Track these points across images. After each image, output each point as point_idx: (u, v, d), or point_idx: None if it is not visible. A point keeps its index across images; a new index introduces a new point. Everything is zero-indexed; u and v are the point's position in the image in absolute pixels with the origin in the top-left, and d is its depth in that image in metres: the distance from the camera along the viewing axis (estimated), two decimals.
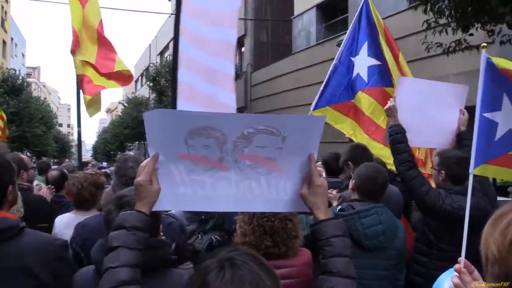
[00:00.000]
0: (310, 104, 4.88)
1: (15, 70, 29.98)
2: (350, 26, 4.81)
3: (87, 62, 5.07)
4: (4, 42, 39.50)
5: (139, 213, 1.34)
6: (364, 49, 4.56)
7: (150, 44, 42.96)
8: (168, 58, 26.60)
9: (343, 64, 4.63)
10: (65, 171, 4.32)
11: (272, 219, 1.72)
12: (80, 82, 5.06)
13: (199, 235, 2.76)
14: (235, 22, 4.00)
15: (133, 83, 56.91)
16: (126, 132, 36.57)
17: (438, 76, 8.95)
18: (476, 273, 1.32)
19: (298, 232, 1.80)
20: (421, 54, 8.47)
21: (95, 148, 61.12)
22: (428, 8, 6.49)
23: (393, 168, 3.19)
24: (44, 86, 79.66)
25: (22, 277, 1.63)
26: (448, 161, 2.88)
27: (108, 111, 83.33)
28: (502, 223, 1.09)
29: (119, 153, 51.43)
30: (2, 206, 1.69)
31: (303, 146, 1.42)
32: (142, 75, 46.17)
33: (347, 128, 4.50)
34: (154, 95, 26.25)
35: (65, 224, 2.63)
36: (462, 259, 1.40)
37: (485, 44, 2.81)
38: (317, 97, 4.70)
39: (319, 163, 3.97)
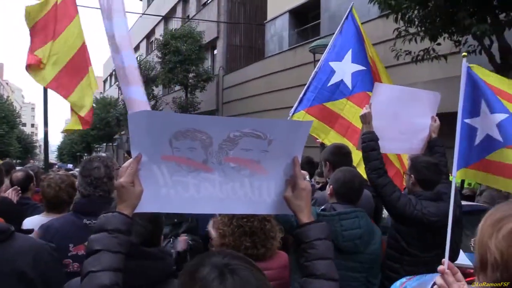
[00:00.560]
0: (282, 108, 4.92)
1: None
2: (335, 34, 4.84)
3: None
4: None
5: (121, 215, 1.30)
6: (348, 55, 4.62)
7: None
8: (138, 58, 26.20)
9: (322, 71, 4.68)
10: (31, 172, 4.17)
11: (251, 219, 1.72)
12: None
13: (171, 239, 2.72)
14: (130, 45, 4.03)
15: (101, 83, 55.77)
16: (94, 133, 35.78)
17: (406, 83, 9.16)
18: (459, 274, 1.34)
19: (276, 233, 1.80)
20: (390, 61, 8.67)
21: (61, 149, 59.47)
22: (399, 17, 6.66)
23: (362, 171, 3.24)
24: (7, 83, 76.92)
25: (14, 281, 1.61)
26: (418, 166, 2.95)
27: None
28: (505, 227, 1.07)
29: (85, 154, 50.30)
30: None
31: (288, 150, 1.42)
32: (111, 75, 45.30)
33: (319, 131, 4.55)
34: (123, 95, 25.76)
35: (35, 226, 2.54)
36: (445, 260, 1.43)
37: (465, 54, 2.91)
38: (296, 102, 4.73)
39: None
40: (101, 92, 49.51)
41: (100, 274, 1.22)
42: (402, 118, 3.28)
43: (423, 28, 6.67)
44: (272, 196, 1.46)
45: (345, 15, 4.81)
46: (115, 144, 38.33)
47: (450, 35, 6.71)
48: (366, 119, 3.16)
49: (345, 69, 4.52)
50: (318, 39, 11.85)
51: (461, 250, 3.12)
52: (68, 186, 2.87)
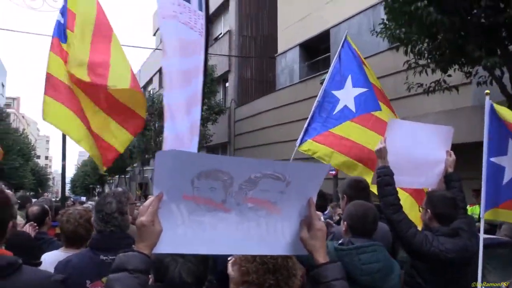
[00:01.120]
0: (293, 140, 4.98)
1: None
2: (332, 64, 5.01)
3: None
4: None
5: (141, 254, 1.30)
6: (349, 81, 4.75)
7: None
8: (152, 92, 26.69)
9: (326, 100, 4.80)
10: (46, 206, 4.21)
11: (275, 256, 1.70)
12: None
13: None
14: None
15: None
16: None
17: (418, 114, 9.20)
18: None
19: (297, 270, 1.78)
20: (402, 93, 8.73)
21: (74, 181, 59.91)
22: (409, 49, 6.74)
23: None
24: (23, 117, 78.59)
25: None
26: (434, 200, 2.92)
27: None
28: None
29: (98, 187, 50.57)
30: (1, 243, 1.66)
31: (304, 191, 1.44)
32: None
33: (321, 154, 4.61)
34: None
35: (54, 262, 2.55)
36: None
37: (488, 92, 2.92)
38: (302, 133, 4.81)
39: None
40: None
41: None
42: (416, 152, 3.28)
43: (433, 60, 6.73)
44: (287, 237, 1.46)
45: (341, 44, 4.97)
46: (127, 176, 38.53)
47: (461, 67, 6.76)
48: (381, 154, 3.16)
49: (347, 95, 4.66)
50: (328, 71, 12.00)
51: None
52: (86, 221, 2.89)
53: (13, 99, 76.93)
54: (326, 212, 4.93)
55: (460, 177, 3.20)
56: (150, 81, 36.51)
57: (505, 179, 2.70)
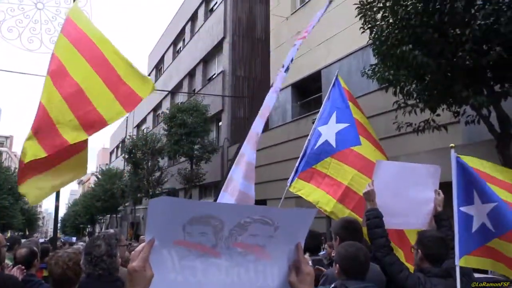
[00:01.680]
0: (286, 179, 5.01)
1: None
2: (323, 102, 5.14)
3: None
4: None
5: None
6: (333, 117, 4.86)
7: (127, 117, 43.45)
8: (145, 130, 26.82)
9: (313, 137, 4.89)
10: (35, 248, 4.14)
11: None
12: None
13: None
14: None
15: (107, 154, 56.52)
16: (98, 204, 35.62)
17: (409, 153, 9.30)
18: None
19: None
20: (392, 132, 8.85)
21: (64, 221, 58.82)
22: (398, 90, 6.90)
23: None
24: (15, 155, 78.04)
25: None
26: (424, 241, 2.92)
27: (80, 182, 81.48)
28: None
29: (88, 226, 49.65)
30: None
31: (292, 236, 1.46)
32: (117, 147, 46.07)
33: (304, 191, 4.64)
34: (129, 167, 26.02)
35: None
36: None
37: (453, 145, 3.03)
38: (292, 173, 4.85)
39: None
40: (107, 164, 50.01)
41: None
42: (405, 193, 3.31)
43: (421, 100, 6.89)
44: (276, 281, 1.46)
45: (332, 83, 5.12)
46: (119, 215, 37.99)
47: (449, 106, 6.91)
48: (369, 196, 3.18)
49: (330, 130, 4.77)
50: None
51: None
52: (75, 264, 2.84)
53: (6, 137, 76.74)
54: (323, 252, 4.88)
55: (449, 215, 3.22)
56: (144, 120, 36.74)
57: (474, 228, 2.80)
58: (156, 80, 34.77)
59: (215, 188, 22.37)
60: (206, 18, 25.05)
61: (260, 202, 13.07)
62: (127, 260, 3.72)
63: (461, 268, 2.83)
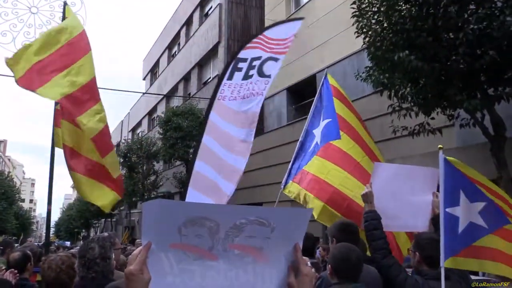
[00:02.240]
0: (280, 182, 5.01)
1: None
2: (314, 102, 5.14)
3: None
4: None
5: None
6: (322, 116, 4.85)
7: (122, 121, 43.33)
8: (140, 134, 26.74)
9: (306, 139, 4.87)
10: (28, 252, 4.10)
11: None
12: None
13: None
14: (255, 123, 4.69)
15: None
16: (93, 209, 35.41)
17: (405, 156, 9.34)
18: None
19: None
20: (387, 135, 8.88)
21: (58, 225, 58.44)
22: (392, 94, 6.94)
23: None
24: (9, 159, 77.56)
25: None
26: (422, 243, 2.92)
27: (75, 186, 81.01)
28: None
29: (83, 231, 49.34)
30: None
31: (290, 236, 1.45)
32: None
33: (296, 195, 4.64)
34: (124, 171, 25.93)
35: None
36: None
37: (441, 146, 3.06)
38: (286, 175, 4.85)
39: None
40: None
41: None
42: (402, 196, 3.31)
43: (416, 104, 6.93)
44: (274, 283, 1.45)
45: (321, 82, 5.13)
46: (113, 219, 37.80)
47: (443, 110, 6.95)
48: (367, 198, 3.18)
49: (319, 130, 4.74)
50: None
51: None
52: (68, 267, 2.83)
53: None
54: (317, 255, 4.88)
55: None
56: (139, 124, 36.65)
57: (460, 228, 2.81)
58: (151, 84, 34.71)
59: None
60: (201, 22, 25.08)
61: (256, 205, 13.05)
62: (122, 263, 3.70)
63: (458, 270, 2.83)
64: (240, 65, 4.53)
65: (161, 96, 29.69)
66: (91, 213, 37.25)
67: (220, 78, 4.43)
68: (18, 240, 25.62)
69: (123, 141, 28.99)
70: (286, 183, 4.82)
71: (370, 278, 3.08)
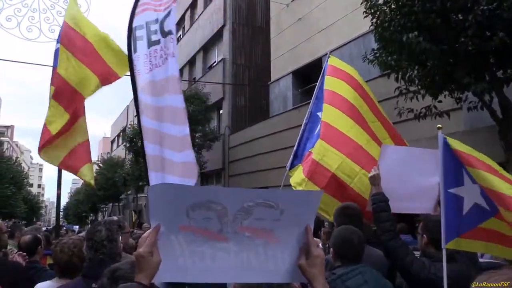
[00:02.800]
0: (286, 166, 5.00)
1: None
2: (317, 85, 5.07)
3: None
4: None
5: (140, 285, 1.31)
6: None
7: (128, 106, 43.36)
8: None
9: (312, 121, 4.81)
10: (39, 235, 4.17)
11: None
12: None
13: None
14: (181, 87, 4.43)
15: (108, 143, 56.53)
16: (100, 193, 35.77)
17: (410, 139, 9.26)
18: None
19: None
20: (393, 118, 8.81)
21: (66, 209, 59.15)
22: (400, 76, 6.87)
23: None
24: (16, 145, 78.18)
25: None
26: (429, 225, 2.92)
27: None
28: None
29: (91, 215, 49.89)
30: None
31: (300, 218, 1.45)
32: (118, 135, 46.06)
33: (301, 180, 4.56)
34: (131, 156, 26.06)
35: None
36: None
37: (440, 126, 2.98)
38: (291, 156, 4.84)
39: None
40: (108, 153, 50.08)
41: None
42: (410, 178, 3.30)
43: (423, 87, 6.86)
44: (286, 265, 1.47)
45: (323, 66, 5.04)
46: (121, 204, 38.17)
47: (451, 93, 6.88)
48: (375, 180, 3.18)
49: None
50: None
51: None
52: (80, 251, 2.87)
53: (7, 127, 76.70)
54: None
55: None
56: None
57: (465, 209, 2.73)
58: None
59: (217, 175, 22.42)
60: (205, 5, 24.83)
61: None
62: (131, 247, 3.75)
63: (466, 253, 2.83)
64: (139, 33, 4.06)
65: None
66: (98, 197, 37.62)
67: (128, 54, 3.96)
68: (28, 225, 26.02)
69: (129, 126, 29.04)
70: (292, 165, 4.80)
71: (375, 260, 3.10)
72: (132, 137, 24.08)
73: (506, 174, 2.81)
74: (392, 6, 6.32)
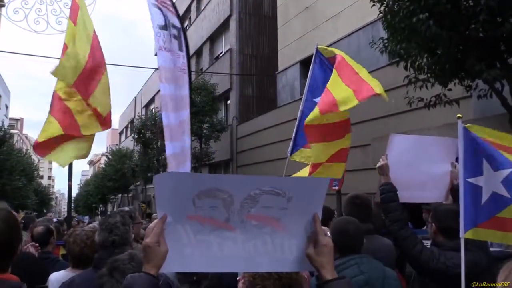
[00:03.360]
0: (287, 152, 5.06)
1: None
2: (309, 72, 5.09)
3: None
4: None
5: (148, 275, 1.31)
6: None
7: (135, 97, 43.47)
8: (154, 111, 26.85)
9: (307, 107, 4.83)
10: (51, 226, 4.22)
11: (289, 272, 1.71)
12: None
13: None
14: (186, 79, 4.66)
15: (117, 135, 56.84)
16: (110, 184, 36.08)
17: (420, 128, 9.21)
18: None
19: (306, 285, 1.79)
20: (403, 107, 8.76)
21: (76, 201, 59.77)
22: (409, 65, 6.79)
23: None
24: (26, 137, 78.86)
25: None
26: (439, 214, 2.90)
27: (91, 163, 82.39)
28: None
29: (101, 206, 50.41)
30: (8, 267, 1.63)
31: (308, 206, 1.44)
32: (126, 127, 46.26)
33: (307, 157, 4.65)
34: (139, 147, 26.18)
35: (61, 282, 2.56)
36: None
37: (460, 115, 2.95)
38: (291, 142, 4.87)
39: None
40: (116, 144, 50.37)
41: None
42: (419, 166, 3.27)
43: (433, 75, 6.78)
44: (294, 253, 1.46)
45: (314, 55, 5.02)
46: (130, 195, 38.47)
47: (460, 80, 6.79)
48: (383, 170, 3.16)
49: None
50: None
51: None
52: (93, 242, 2.90)
53: (17, 120, 77.35)
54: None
55: None
56: (152, 100, 36.76)
57: (483, 199, 2.72)
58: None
59: (225, 166, 22.48)
60: None
61: None
62: (142, 237, 3.79)
63: (476, 241, 2.81)
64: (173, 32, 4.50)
65: None
66: (108, 188, 37.96)
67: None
68: (39, 216, 26.34)
69: (137, 117, 29.14)
70: (292, 151, 4.86)
71: (383, 249, 3.10)
72: (140, 129, 24.20)
73: None
74: None
